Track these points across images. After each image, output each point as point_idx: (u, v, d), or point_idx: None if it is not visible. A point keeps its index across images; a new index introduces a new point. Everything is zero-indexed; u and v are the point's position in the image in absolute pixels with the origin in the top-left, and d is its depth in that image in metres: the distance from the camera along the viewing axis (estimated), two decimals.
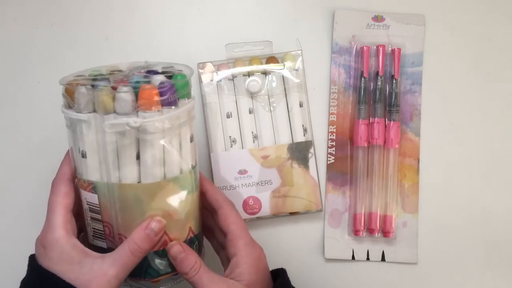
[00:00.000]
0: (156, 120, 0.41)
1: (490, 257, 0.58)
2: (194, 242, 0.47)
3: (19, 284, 0.44)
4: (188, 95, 0.44)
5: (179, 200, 0.44)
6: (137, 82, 0.42)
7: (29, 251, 0.57)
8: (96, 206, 0.44)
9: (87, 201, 0.45)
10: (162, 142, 0.42)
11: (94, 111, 0.42)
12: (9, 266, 0.57)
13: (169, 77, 0.44)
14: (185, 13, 0.60)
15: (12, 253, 0.57)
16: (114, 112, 0.41)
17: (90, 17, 0.60)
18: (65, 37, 0.60)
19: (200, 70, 0.57)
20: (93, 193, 0.44)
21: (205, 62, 0.57)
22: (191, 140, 0.45)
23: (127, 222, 0.44)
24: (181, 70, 0.45)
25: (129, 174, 0.43)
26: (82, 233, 0.47)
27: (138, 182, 0.43)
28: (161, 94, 0.41)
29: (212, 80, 0.57)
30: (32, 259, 0.44)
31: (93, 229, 0.46)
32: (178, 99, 0.43)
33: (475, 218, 0.58)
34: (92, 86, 0.42)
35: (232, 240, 0.45)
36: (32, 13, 0.60)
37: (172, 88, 0.42)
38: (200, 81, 0.58)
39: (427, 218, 0.58)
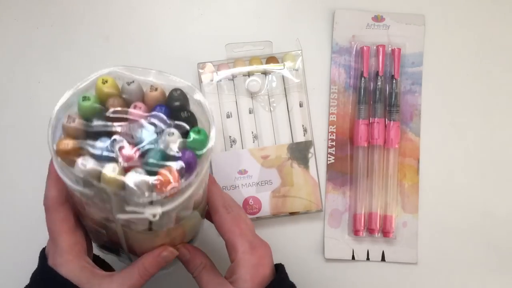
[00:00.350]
0: (177, 203, 0.35)
1: (490, 257, 0.58)
2: (195, 236, 0.48)
3: (20, 280, 0.44)
4: (207, 155, 0.36)
5: (188, 225, 0.43)
6: (152, 163, 0.33)
7: (29, 251, 0.57)
8: (104, 235, 0.42)
9: (94, 229, 0.42)
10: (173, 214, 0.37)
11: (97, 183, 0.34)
12: (9, 265, 0.57)
13: (185, 131, 0.35)
14: (185, 13, 0.61)
15: (12, 253, 0.57)
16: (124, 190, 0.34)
17: (90, 17, 0.60)
18: (65, 37, 0.60)
19: (200, 70, 0.57)
20: (100, 227, 0.41)
21: (205, 62, 0.57)
22: (204, 192, 0.41)
23: (136, 249, 0.42)
24: (179, 90, 0.37)
25: (141, 227, 0.38)
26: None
27: (150, 230, 0.39)
28: (183, 176, 0.34)
29: (212, 80, 0.57)
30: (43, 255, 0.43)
31: (101, 243, 0.45)
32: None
33: (475, 218, 0.58)
34: (93, 154, 0.34)
35: (228, 248, 0.44)
36: (32, 13, 0.60)
37: (195, 161, 0.34)
38: (200, 81, 0.58)
39: (427, 218, 0.58)
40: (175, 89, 0.37)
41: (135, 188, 0.32)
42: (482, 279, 0.58)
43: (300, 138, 0.57)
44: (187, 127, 0.35)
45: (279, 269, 0.46)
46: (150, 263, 0.41)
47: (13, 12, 0.60)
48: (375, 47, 0.58)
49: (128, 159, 0.33)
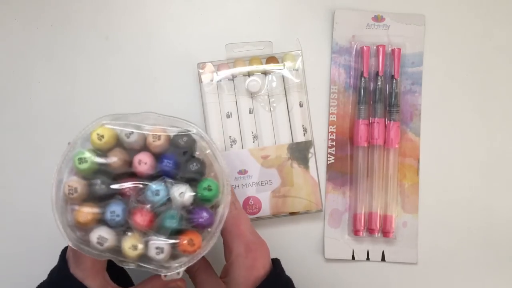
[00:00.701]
0: (200, 257, 0.35)
1: (490, 257, 0.58)
2: None
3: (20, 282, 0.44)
4: (222, 202, 0.36)
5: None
6: (169, 228, 0.34)
7: (28, 251, 0.57)
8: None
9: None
10: None
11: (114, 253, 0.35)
12: (8, 265, 0.57)
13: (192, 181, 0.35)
14: (185, 13, 0.60)
15: (11, 252, 0.57)
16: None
17: (90, 17, 0.60)
18: (65, 37, 0.60)
19: (200, 70, 0.57)
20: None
21: (205, 62, 0.57)
22: None
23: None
24: (185, 137, 0.36)
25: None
26: None
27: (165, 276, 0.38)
28: (201, 228, 0.34)
29: (212, 80, 0.57)
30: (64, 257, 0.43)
31: None
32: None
33: (475, 218, 0.58)
34: (105, 221, 0.34)
35: (225, 247, 0.44)
36: (32, 13, 0.60)
37: (211, 218, 0.34)
38: (200, 81, 0.58)
39: (427, 218, 0.58)
40: (181, 136, 0.35)
41: (156, 257, 0.33)
42: (482, 279, 0.58)
43: (300, 138, 0.57)
44: (197, 179, 0.34)
45: (274, 263, 0.46)
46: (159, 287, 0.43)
47: (13, 12, 0.60)
48: (375, 47, 0.58)
49: (142, 227, 0.33)
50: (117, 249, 0.33)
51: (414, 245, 0.57)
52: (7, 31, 0.60)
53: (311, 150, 0.57)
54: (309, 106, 0.58)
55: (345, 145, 0.58)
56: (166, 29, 0.60)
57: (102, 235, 0.33)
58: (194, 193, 0.33)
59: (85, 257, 0.40)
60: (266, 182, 0.56)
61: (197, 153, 0.36)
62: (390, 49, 0.58)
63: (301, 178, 0.56)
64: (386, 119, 0.57)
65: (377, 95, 0.57)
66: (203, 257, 0.44)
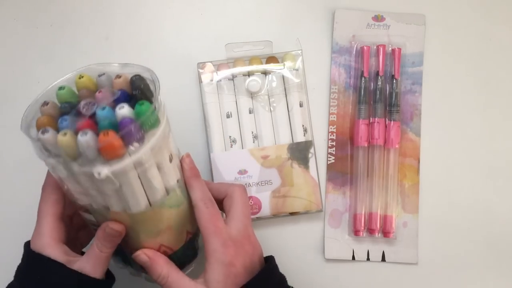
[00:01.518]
0: (122, 166, 0.38)
1: (490, 257, 0.58)
2: (194, 239, 0.48)
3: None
4: (156, 124, 0.40)
5: (169, 218, 0.44)
6: (101, 128, 0.38)
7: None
8: (94, 223, 0.44)
9: (84, 217, 0.45)
10: (136, 177, 0.40)
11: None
12: (8, 265, 0.57)
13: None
14: (185, 13, 0.61)
15: (11, 252, 0.57)
16: (80, 156, 0.38)
17: (90, 17, 0.60)
18: (65, 37, 0.60)
19: (200, 70, 0.57)
20: (88, 213, 0.44)
21: (205, 62, 0.57)
22: (170, 160, 0.43)
23: (124, 243, 0.44)
24: (138, 76, 0.41)
25: (115, 205, 0.41)
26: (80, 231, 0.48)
27: (125, 211, 0.42)
28: (124, 139, 0.37)
29: (212, 80, 0.57)
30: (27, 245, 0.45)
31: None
32: (145, 134, 0.39)
33: (476, 218, 0.58)
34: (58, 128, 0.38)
35: (203, 242, 0.44)
36: (32, 13, 0.60)
37: (135, 128, 0.38)
38: (200, 81, 0.58)
39: (427, 218, 0.58)
40: (135, 75, 0.41)
41: (83, 144, 0.36)
42: (482, 279, 0.58)
43: (300, 138, 0.57)
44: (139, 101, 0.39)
45: (268, 260, 0.46)
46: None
47: (13, 12, 0.60)
48: (375, 47, 0.58)
49: (80, 126, 0.37)
50: (53, 143, 0.38)
51: (414, 245, 0.57)
52: (7, 31, 0.60)
53: (311, 150, 0.57)
54: (309, 106, 0.58)
55: (345, 145, 0.58)
56: (166, 29, 0.60)
57: (47, 129, 0.38)
58: (131, 108, 0.38)
59: (45, 222, 0.43)
60: (266, 182, 0.56)
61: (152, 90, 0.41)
62: (390, 49, 0.58)
63: (301, 178, 0.56)
64: (387, 119, 0.57)
65: (377, 95, 0.57)
66: (170, 265, 0.44)
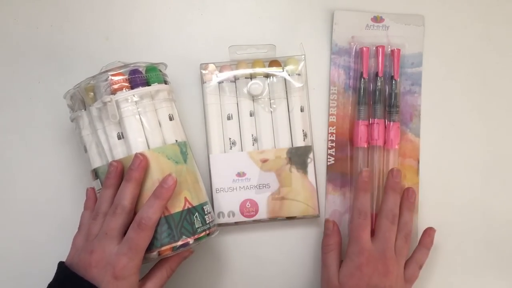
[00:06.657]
0: (124, 95, 0.49)
1: (490, 257, 0.58)
2: (193, 213, 0.49)
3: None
4: (159, 80, 0.51)
5: (165, 169, 0.48)
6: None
7: (27, 251, 0.57)
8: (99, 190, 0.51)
9: (96, 190, 0.52)
10: (137, 116, 0.49)
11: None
12: (7, 265, 0.57)
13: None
14: (185, 14, 0.61)
15: (11, 252, 0.57)
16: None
17: (90, 17, 0.60)
18: (65, 37, 0.60)
19: (203, 71, 0.57)
20: (96, 179, 0.51)
21: (207, 63, 0.57)
22: (170, 119, 0.51)
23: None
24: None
25: (120, 151, 0.49)
26: None
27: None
28: (129, 79, 0.49)
29: (214, 81, 0.57)
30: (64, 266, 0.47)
31: None
32: (148, 83, 0.50)
33: (475, 218, 0.58)
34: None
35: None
36: (32, 13, 0.60)
37: (137, 72, 0.50)
38: (202, 81, 0.57)
39: (427, 218, 0.58)
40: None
41: (100, 84, 0.50)
42: (482, 279, 0.58)
43: (300, 143, 0.57)
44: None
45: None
46: (174, 261, 0.50)
47: (13, 12, 0.60)
48: (374, 48, 0.58)
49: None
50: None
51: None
52: (7, 31, 0.60)
53: (310, 156, 0.56)
54: (309, 108, 0.58)
55: (345, 146, 0.58)
56: (166, 29, 0.60)
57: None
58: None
59: (133, 280, 0.46)
60: (264, 185, 0.56)
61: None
62: (389, 49, 0.59)
63: (299, 183, 0.56)
64: (386, 120, 0.57)
65: (376, 96, 0.57)
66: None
